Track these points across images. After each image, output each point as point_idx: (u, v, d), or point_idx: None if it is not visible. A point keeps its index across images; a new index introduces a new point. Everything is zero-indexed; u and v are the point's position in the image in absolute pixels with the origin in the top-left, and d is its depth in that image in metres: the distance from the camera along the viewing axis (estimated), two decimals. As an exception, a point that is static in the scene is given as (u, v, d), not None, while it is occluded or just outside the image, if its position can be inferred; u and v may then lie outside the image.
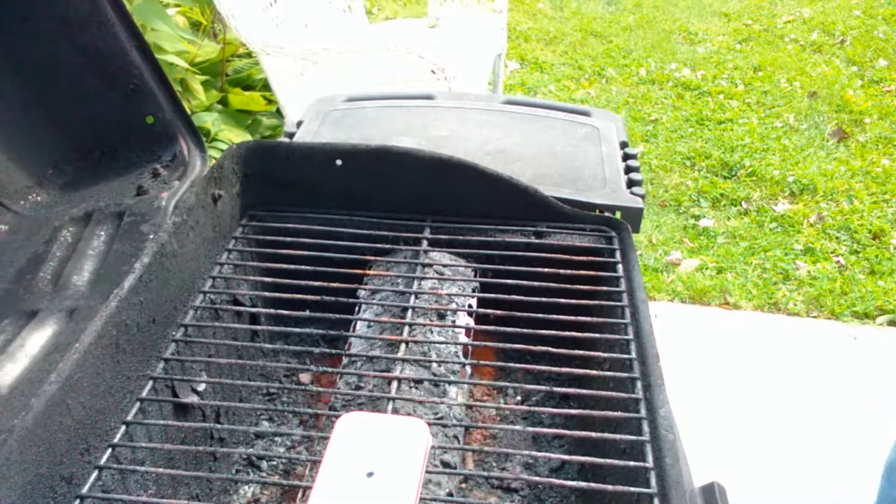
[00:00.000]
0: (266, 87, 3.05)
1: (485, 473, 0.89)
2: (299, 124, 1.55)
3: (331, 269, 1.17)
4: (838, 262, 2.78)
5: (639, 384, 0.97)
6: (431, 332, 1.14)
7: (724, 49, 4.63)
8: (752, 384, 2.27)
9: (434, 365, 1.08)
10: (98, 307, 0.96)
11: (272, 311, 1.15)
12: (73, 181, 1.34)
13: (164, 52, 2.51)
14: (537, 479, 0.85)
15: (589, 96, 4.08)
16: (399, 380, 1.01)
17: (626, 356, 1.01)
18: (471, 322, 1.18)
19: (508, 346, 1.07)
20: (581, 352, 1.06)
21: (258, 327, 1.15)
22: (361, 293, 1.23)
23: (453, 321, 1.17)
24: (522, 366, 1.06)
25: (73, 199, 1.30)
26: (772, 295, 2.62)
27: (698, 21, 5.06)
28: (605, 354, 1.05)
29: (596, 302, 1.12)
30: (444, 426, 1.01)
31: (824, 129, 3.68)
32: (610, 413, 0.97)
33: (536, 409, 1.02)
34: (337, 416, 0.83)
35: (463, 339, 1.16)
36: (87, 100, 1.31)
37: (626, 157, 1.43)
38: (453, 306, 1.18)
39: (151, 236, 1.17)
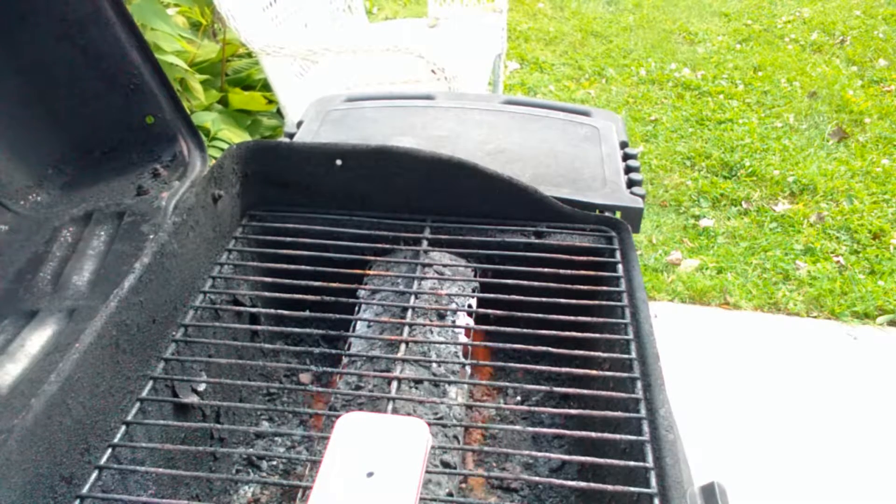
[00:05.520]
0: (266, 87, 3.05)
1: (485, 473, 0.90)
2: (299, 124, 1.55)
3: (331, 269, 1.17)
4: (838, 262, 2.78)
5: (639, 384, 0.97)
6: (431, 332, 1.13)
7: (724, 49, 4.63)
8: (752, 384, 2.26)
9: (434, 365, 1.08)
10: (98, 307, 0.96)
11: (272, 311, 1.15)
12: (73, 181, 1.34)
13: (164, 53, 2.51)
14: (537, 479, 0.85)
15: (589, 96, 4.08)
16: (399, 380, 1.01)
17: (626, 356, 1.01)
18: (471, 322, 1.18)
19: (508, 346, 1.07)
20: (581, 352, 1.06)
21: (258, 327, 1.15)
22: (361, 293, 1.23)
23: (453, 321, 1.17)
24: (522, 366, 1.06)
25: (73, 199, 1.30)
26: (772, 295, 2.62)
27: (698, 21, 5.06)
28: (605, 354, 1.05)
29: (596, 302, 1.12)
30: (444, 426, 1.01)
31: (824, 129, 3.68)
32: (610, 413, 0.97)
33: (536, 409, 1.02)
34: (337, 416, 0.83)
35: (463, 339, 1.16)
36: (87, 100, 1.31)
37: (626, 157, 1.43)
38: (453, 306, 1.18)
39: (151, 236, 1.17)
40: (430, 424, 0.85)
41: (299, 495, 0.94)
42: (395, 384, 1.00)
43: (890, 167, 3.35)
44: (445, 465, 0.97)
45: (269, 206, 1.31)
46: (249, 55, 3.28)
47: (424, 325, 1.12)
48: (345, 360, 1.15)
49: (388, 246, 1.25)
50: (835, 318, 2.54)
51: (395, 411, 0.97)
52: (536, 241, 1.25)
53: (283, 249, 1.26)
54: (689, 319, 2.54)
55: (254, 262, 1.28)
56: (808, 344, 2.43)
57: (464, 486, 1.11)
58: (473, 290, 1.24)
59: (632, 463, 0.87)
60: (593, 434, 0.94)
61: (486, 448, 1.00)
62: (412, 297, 1.14)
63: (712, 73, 4.30)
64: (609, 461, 0.89)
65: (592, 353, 1.07)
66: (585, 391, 1.01)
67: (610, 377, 1.01)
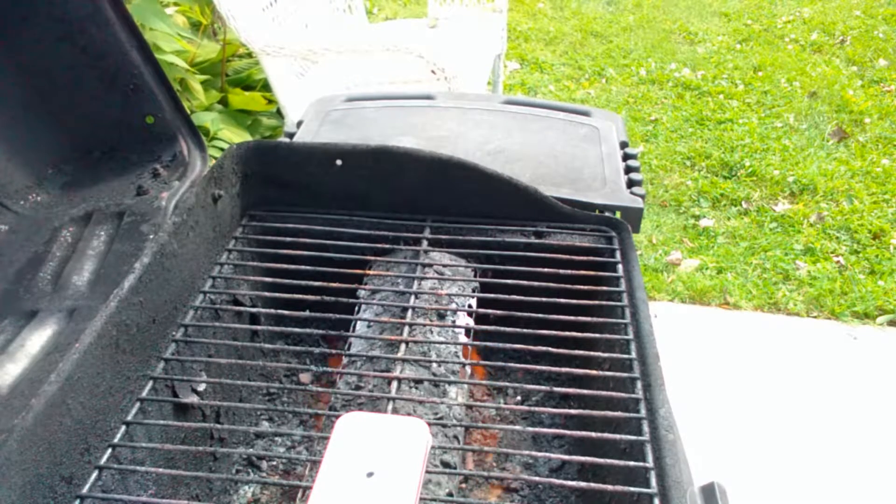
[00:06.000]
0: (266, 87, 3.05)
1: (485, 473, 0.89)
2: (299, 124, 1.55)
3: (331, 269, 1.17)
4: (838, 262, 2.78)
5: (639, 384, 0.97)
6: (431, 333, 1.14)
7: (724, 49, 4.63)
8: (752, 384, 2.26)
9: (434, 365, 1.08)
10: (98, 307, 0.96)
11: (272, 311, 1.15)
12: (73, 181, 1.34)
13: (164, 53, 2.51)
14: (537, 479, 0.85)
15: (589, 96, 4.08)
16: (399, 380, 1.01)
17: (626, 356, 1.01)
18: (471, 322, 1.18)
19: (508, 346, 1.07)
20: (581, 352, 1.06)
21: (258, 327, 1.15)
22: (361, 293, 1.23)
23: (453, 321, 1.17)
24: (522, 366, 1.06)
25: (73, 199, 1.30)
26: (772, 295, 2.62)
27: (698, 21, 5.06)
28: (605, 354, 1.05)
29: (596, 302, 1.12)
30: (444, 426, 1.01)
31: (824, 129, 3.68)
32: (610, 413, 0.97)
33: (536, 409, 1.02)
34: (337, 416, 0.83)
35: (463, 339, 1.16)
36: (87, 100, 1.31)
37: (626, 157, 1.43)
38: (453, 306, 1.18)
39: (151, 236, 1.17)
40: (430, 424, 0.85)
41: (299, 495, 0.94)
42: (395, 384, 1.00)
43: (890, 167, 3.35)
44: (445, 465, 0.97)
45: (269, 206, 1.31)
46: (249, 55, 3.28)
47: (424, 325, 1.12)
48: (345, 360, 1.15)
49: (388, 246, 1.25)
50: (835, 318, 2.54)
51: (395, 411, 0.97)
52: (536, 241, 1.25)
53: (283, 249, 1.26)
54: (689, 319, 2.54)
55: (254, 262, 1.28)
56: (808, 344, 2.43)
57: (464, 486, 1.11)
58: (473, 290, 1.24)
59: (632, 463, 0.87)
60: (593, 434, 0.94)
61: (486, 448, 1.00)
62: (412, 297, 1.14)
63: (712, 73, 4.30)
64: (609, 461, 0.89)
65: (592, 353, 1.08)
66: (585, 391, 1.01)
67: (610, 377, 1.01)
